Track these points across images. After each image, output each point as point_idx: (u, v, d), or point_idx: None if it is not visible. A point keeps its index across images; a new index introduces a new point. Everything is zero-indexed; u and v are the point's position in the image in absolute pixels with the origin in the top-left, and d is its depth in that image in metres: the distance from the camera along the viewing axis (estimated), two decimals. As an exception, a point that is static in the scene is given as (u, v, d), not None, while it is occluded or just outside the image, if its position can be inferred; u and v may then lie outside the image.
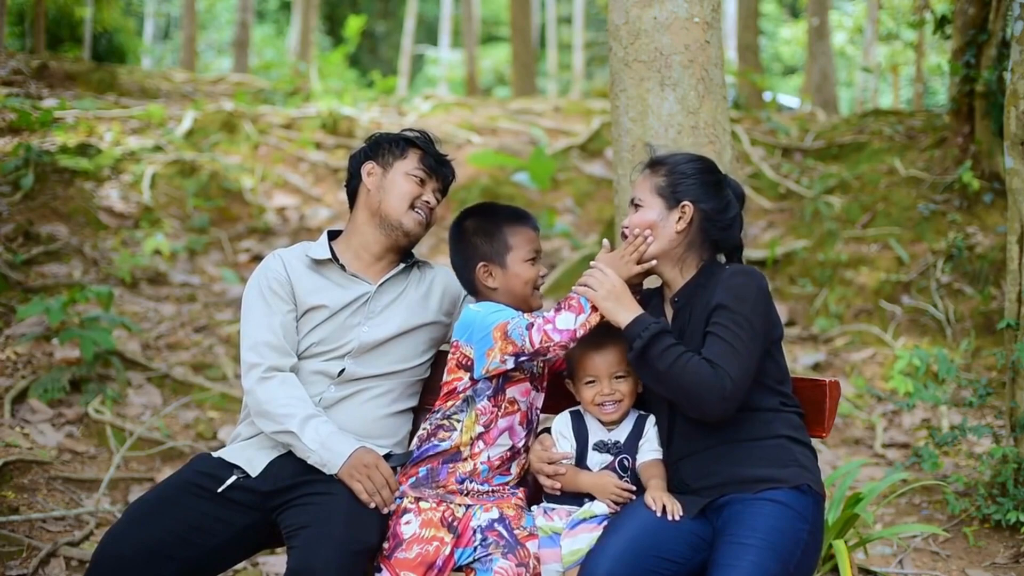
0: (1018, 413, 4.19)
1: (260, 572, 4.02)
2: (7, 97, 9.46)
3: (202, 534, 2.73)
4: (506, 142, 10.73)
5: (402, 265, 3.06)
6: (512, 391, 2.80)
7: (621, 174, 3.77)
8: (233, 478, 2.82)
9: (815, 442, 2.84)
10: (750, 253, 7.44)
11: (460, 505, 2.77)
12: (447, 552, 2.70)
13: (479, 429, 2.78)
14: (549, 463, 2.78)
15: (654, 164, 2.85)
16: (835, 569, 3.49)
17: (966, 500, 4.37)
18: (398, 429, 3.00)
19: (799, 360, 6.53)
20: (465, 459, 2.78)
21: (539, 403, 2.88)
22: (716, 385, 2.57)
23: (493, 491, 2.80)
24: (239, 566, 3.98)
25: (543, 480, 2.78)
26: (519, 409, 2.81)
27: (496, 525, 2.72)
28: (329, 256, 2.99)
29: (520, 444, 2.83)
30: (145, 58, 23.56)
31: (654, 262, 2.78)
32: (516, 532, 2.71)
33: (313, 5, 19.93)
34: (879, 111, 10.60)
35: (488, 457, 2.79)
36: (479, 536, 2.71)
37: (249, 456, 2.87)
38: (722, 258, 2.88)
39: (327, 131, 10.71)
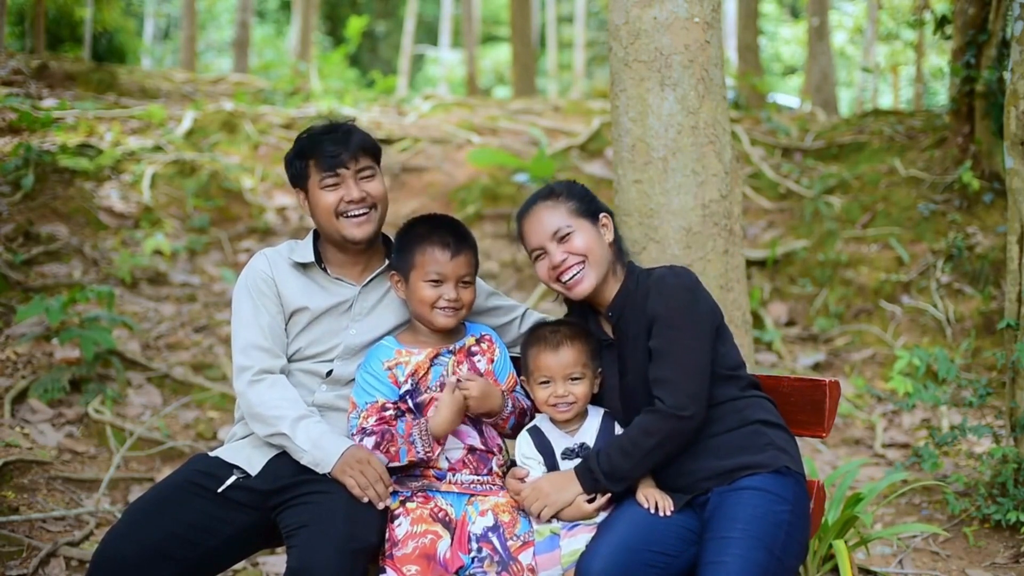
0: (1018, 413, 4.19)
1: (260, 572, 4.02)
2: (7, 97, 9.46)
3: (202, 533, 2.73)
4: (506, 142, 10.73)
5: (386, 262, 3.03)
6: (432, 409, 2.82)
7: (621, 174, 3.77)
8: (233, 478, 2.81)
9: (815, 442, 2.85)
10: (749, 253, 7.45)
11: (447, 492, 2.78)
12: (447, 547, 2.69)
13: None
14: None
15: (548, 195, 2.84)
16: (835, 569, 3.49)
17: (966, 500, 4.37)
18: None
19: (799, 360, 6.53)
20: (428, 467, 2.81)
21: None
22: (667, 417, 2.61)
23: (479, 483, 2.81)
24: (239, 566, 3.98)
25: (529, 511, 2.76)
26: None
27: (491, 535, 2.70)
28: (312, 259, 2.97)
29: (475, 442, 2.82)
30: (145, 58, 23.55)
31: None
32: (510, 544, 2.69)
33: (313, 5, 19.94)
34: (879, 111, 10.60)
35: (448, 460, 2.80)
36: (475, 545, 2.70)
37: (247, 455, 2.87)
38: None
39: (327, 131, 10.70)
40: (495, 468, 2.85)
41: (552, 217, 2.80)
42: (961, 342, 6.27)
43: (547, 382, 2.75)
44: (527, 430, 2.83)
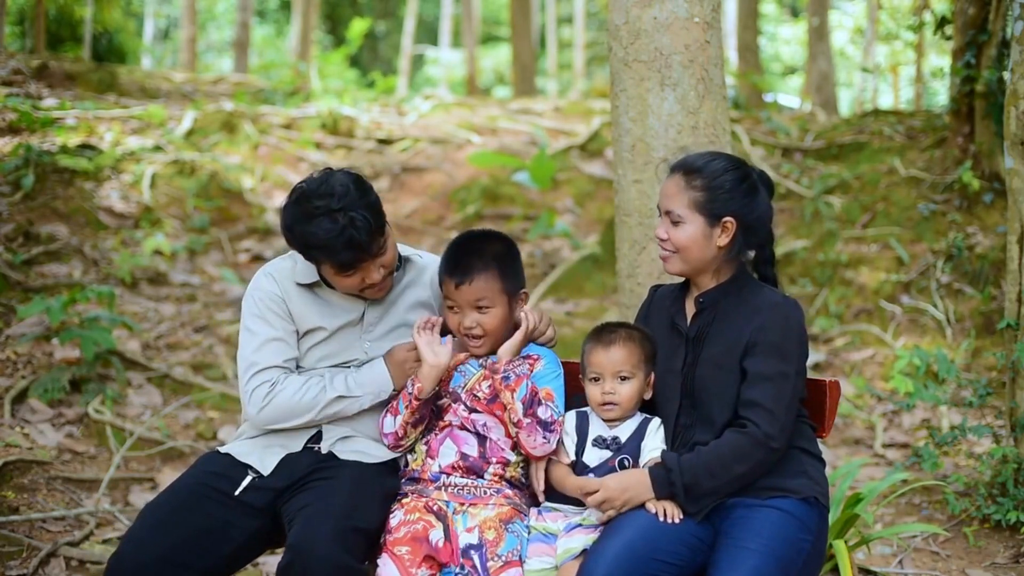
0: (1018, 413, 4.19)
1: (260, 572, 4.01)
2: (7, 97, 9.46)
3: (217, 540, 2.72)
4: (506, 142, 10.73)
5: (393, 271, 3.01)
6: (446, 416, 2.85)
7: (621, 174, 3.77)
8: (249, 478, 2.81)
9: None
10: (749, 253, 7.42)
11: (438, 500, 2.77)
12: (439, 536, 2.68)
13: (425, 448, 2.84)
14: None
15: (688, 171, 2.73)
16: (835, 569, 3.49)
17: (966, 500, 4.37)
18: None
19: (799, 360, 6.52)
20: (424, 473, 2.82)
21: (484, 422, 2.81)
22: (760, 445, 2.59)
23: (471, 487, 2.78)
24: (239, 566, 3.98)
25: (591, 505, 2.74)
26: (452, 425, 2.82)
27: (472, 553, 2.67)
28: (316, 279, 2.93)
29: (471, 450, 2.80)
30: (145, 58, 23.54)
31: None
32: (490, 564, 2.66)
33: (313, 5, 19.94)
34: (879, 111, 10.59)
35: (440, 466, 2.80)
36: (460, 560, 2.68)
37: (259, 455, 2.87)
38: (750, 254, 2.85)
39: (327, 131, 10.71)
40: (488, 477, 2.80)
41: (674, 197, 2.72)
42: (961, 342, 6.26)
43: (597, 379, 2.75)
44: (576, 410, 2.84)
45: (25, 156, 7.93)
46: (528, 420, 2.71)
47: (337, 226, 2.71)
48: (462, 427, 2.81)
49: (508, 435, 2.80)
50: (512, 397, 2.73)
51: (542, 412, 2.72)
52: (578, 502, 2.72)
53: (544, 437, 2.73)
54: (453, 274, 2.78)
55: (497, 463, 2.80)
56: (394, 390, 2.84)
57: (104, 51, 17.53)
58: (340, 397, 2.83)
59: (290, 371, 2.89)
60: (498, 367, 2.78)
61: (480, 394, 2.80)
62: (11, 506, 4.27)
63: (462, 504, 2.76)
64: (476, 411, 2.81)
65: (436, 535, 2.69)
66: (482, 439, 2.81)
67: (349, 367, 2.92)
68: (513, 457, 2.82)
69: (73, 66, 11.99)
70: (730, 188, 2.71)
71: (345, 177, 2.80)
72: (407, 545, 2.65)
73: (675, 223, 2.71)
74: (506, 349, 2.80)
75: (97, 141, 9.09)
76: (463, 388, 2.83)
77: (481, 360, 2.85)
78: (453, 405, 2.83)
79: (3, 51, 11.92)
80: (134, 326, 5.92)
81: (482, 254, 2.80)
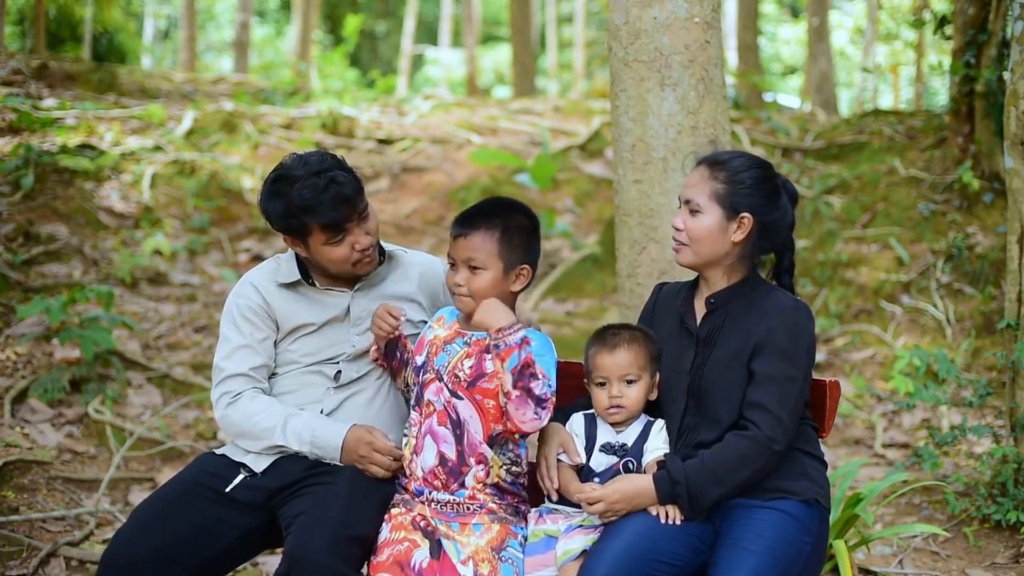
0: (1018, 413, 4.19)
1: (260, 572, 4.02)
2: (7, 97, 9.46)
3: (209, 538, 2.72)
4: (506, 142, 10.73)
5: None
6: (427, 393, 2.76)
7: (621, 174, 3.77)
8: (241, 476, 2.82)
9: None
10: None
11: (422, 515, 2.72)
12: (424, 556, 2.64)
13: (413, 441, 2.78)
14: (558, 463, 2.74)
15: (713, 164, 2.77)
16: (835, 569, 3.49)
17: (966, 500, 4.37)
18: (402, 421, 2.98)
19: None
20: (410, 475, 2.78)
21: (463, 412, 2.71)
22: (764, 449, 2.59)
23: (454, 504, 2.72)
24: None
25: (544, 480, 2.75)
26: (435, 409, 2.73)
27: None
28: (298, 277, 2.95)
29: (449, 451, 2.71)
30: (145, 58, 23.54)
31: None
32: None
33: (313, 5, 19.94)
34: (879, 111, 10.59)
35: (422, 470, 2.74)
36: None
37: (254, 455, 2.87)
38: (762, 258, 2.85)
39: (327, 131, 10.71)
40: (471, 483, 2.72)
41: (697, 186, 2.75)
42: (961, 342, 6.26)
43: (603, 383, 2.73)
44: (584, 413, 2.82)
45: (25, 156, 7.93)
46: (517, 393, 2.58)
47: (321, 183, 2.80)
48: (444, 415, 2.71)
49: (486, 427, 2.71)
50: (502, 367, 2.60)
51: (536, 387, 2.59)
52: (577, 504, 2.71)
53: (535, 413, 2.60)
54: (457, 226, 2.74)
55: (477, 463, 2.71)
56: (339, 463, 2.82)
57: (104, 51, 17.53)
58: (280, 446, 2.83)
59: (258, 381, 2.89)
60: (491, 335, 2.64)
61: (461, 374, 2.71)
62: (11, 506, 4.27)
63: (447, 522, 2.70)
64: (458, 396, 2.71)
65: (420, 555, 2.63)
66: (459, 436, 2.71)
67: (336, 361, 2.92)
68: (490, 453, 2.71)
69: (73, 66, 11.99)
70: (751, 185, 2.76)
71: (316, 152, 2.91)
72: (389, 572, 2.62)
73: (693, 212, 2.74)
74: (489, 318, 2.65)
75: (97, 141, 9.09)
76: (446, 368, 2.73)
77: (466, 338, 2.76)
78: (437, 383, 2.74)
79: (3, 51, 11.93)
80: (134, 326, 5.92)
81: (492, 215, 2.74)
